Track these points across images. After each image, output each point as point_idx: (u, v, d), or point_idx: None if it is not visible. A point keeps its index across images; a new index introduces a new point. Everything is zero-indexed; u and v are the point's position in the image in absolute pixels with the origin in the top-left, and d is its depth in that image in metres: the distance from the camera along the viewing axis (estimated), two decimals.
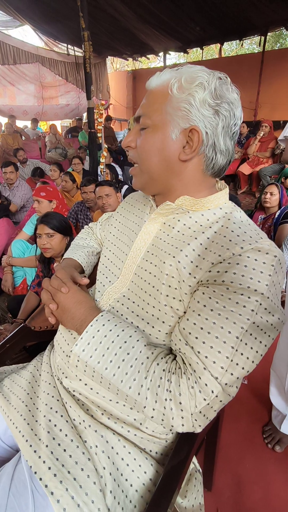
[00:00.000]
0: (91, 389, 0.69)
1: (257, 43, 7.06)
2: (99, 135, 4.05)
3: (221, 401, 0.56)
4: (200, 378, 0.55)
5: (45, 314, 1.07)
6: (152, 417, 0.58)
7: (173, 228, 0.69)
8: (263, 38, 6.63)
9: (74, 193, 3.50)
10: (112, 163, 4.66)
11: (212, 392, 0.54)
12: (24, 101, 7.99)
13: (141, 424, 0.67)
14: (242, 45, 9.95)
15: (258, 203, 2.91)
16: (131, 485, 0.64)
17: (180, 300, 0.63)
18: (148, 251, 0.71)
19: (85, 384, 0.69)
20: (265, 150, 5.05)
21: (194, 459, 0.81)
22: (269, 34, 6.86)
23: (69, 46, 8.05)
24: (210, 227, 0.65)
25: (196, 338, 0.57)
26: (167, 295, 0.64)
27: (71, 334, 0.75)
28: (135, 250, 0.73)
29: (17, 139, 6.46)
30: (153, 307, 0.66)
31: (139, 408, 0.59)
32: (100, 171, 3.90)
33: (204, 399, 0.54)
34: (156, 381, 0.57)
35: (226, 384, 0.55)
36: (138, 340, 0.62)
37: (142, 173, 0.69)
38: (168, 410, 0.56)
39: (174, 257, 0.64)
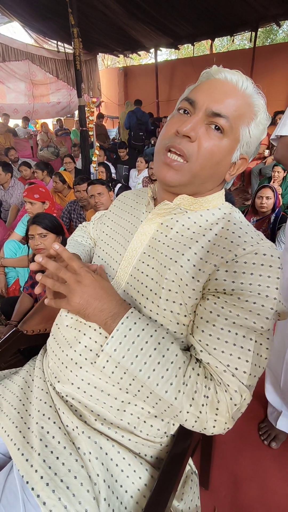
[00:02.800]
0: (84, 392, 0.67)
1: (248, 39, 7.06)
2: (90, 133, 4.02)
3: (247, 403, 0.60)
4: (229, 385, 0.57)
5: (37, 318, 1.06)
6: (186, 420, 0.59)
7: (171, 229, 0.68)
8: (254, 34, 6.63)
9: (67, 192, 3.46)
10: (106, 161, 4.63)
11: (241, 396, 0.57)
12: (15, 99, 7.88)
13: (135, 428, 0.66)
14: (233, 41, 9.93)
15: (250, 206, 2.88)
16: (126, 491, 0.63)
17: (181, 304, 0.62)
18: (144, 253, 0.69)
19: (78, 388, 0.68)
20: None
21: (190, 461, 0.81)
22: (260, 30, 6.84)
23: (59, 43, 7.95)
24: (211, 229, 0.65)
25: (215, 349, 0.58)
26: (167, 299, 0.63)
27: (65, 338, 0.73)
28: (131, 251, 0.71)
29: (9, 138, 6.38)
30: (150, 310, 0.65)
31: (172, 412, 0.59)
32: (93, 169, 3.88)
33: (235, 405, 0.58)
34: (192, 386, 0.58)
35: (250, 385, 0.58)
36: (172, 342, 0.61)
37: (190, 173, 0.62)
38: (204, 415, 0.58)
39: (176, 261, 0.63)
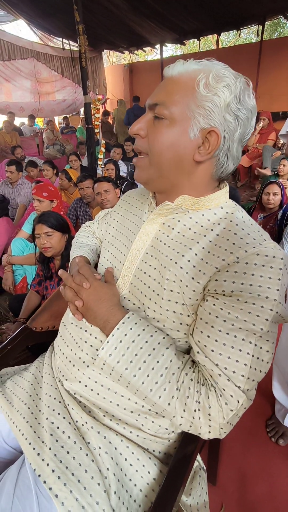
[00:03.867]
0: (92, 390, 0.69)
1: (255, 32, 6.96)
2: (96, 130, 4.02)
3: (245, 408, 0.58)
4: (224, 390, 0.56)
5: (46, 315, 1.07)
6: (180, 424, 0.59)
7: (173, 229, 0.67)
8: (261, 27, 6.52)
9: (73, 190, 3.48)
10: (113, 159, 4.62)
11: (238, 402, 0.56)
12: (20, 97, 7.90)
13: (142, 425, 0.67)
14: (239, 35, 9.81)
15: (257, 202, 2.85)
16: (135, 485, 0.64)
17: (183, 304, 0.62)
18: (147, 253, 0.69)
19: (85, 386, 0.69)
20: (265, 142, 5.00)
21: (198, 457, 0.81)
22: (267, 23, 6.72)
23: (64, 41, 7.93)
24: (212, 230, 0.64)
25: (212, 350, 0.57)
26: (169, 300, 0.63)
27: (72, 337, 0.74)
28: (134, 251, 0.72)
29: (15, 137, 6.41)
30: (154, 311, 0.65)
31: (167, 416, 0.60)
32: (99, 167, 3.88)
33: (231, 410, 0.56)
34: (185, 391, 0.58)
35: (248, 390, 0.57)
36: (167, 348, 0.61)
37: (151, 166, 0.65)
38: (197, 420, 0.57)
39: (176, 262, 0.63)
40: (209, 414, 0.56)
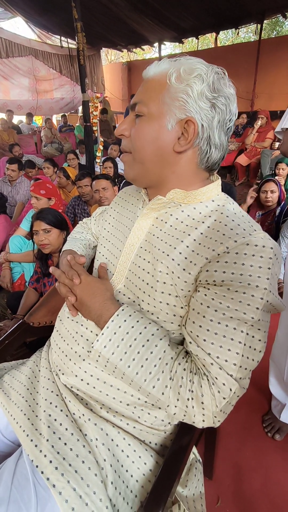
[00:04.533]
0: (88, 384, 0.69)
1: (253, 31, 6.96)
2: (94, 128, 4.02)
3: (238, 396, 0.59)
4: (216, 378, 0.57)
5: (43, 310, 1.08)
6: (175, 413, 0.60)
7: (166, 222, 0.68)
8: (259, 26, 6.53)
9: (71, 188, 3.48)
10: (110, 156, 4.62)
11: (231, 390, 0.57)
12: (18, 95, 7.87)
13: (139, 417, 0.68)
14: (238, 34, 9.79)
15: (254, 200, 2.87)
16: (131, 476, 0.65)
17: (176, 296, 0.63)
18: (141, 247, 0.70)
19: (81, 380, 0.70)
20: (263, 140, 5.02)
21: (194, 449, 0.82)
22: (265, 21, 6.73)
23: (63, 38, 7.91)
24: (203, 222, 0.65)
25: (205, 340, 0.58)
26: (162, 292, 0.64)
27: (68, 331, 0.75)
28: (129, 246, 0.72)
29: (13, 135, 6.39)
30: (148, 304, 0.66)
31: (161, 406, 0.61)
32: (97, 164, 3.88)
33: (224, 398, 0.57)
34: (178, 380, 0.58)
35: (240, 378, 0.57)
36: (161, 339, 0.62)
37: (135, 162, 0.68)
38: (190, 409, 0.58)
39: (168, 255, 0.64)
40: (202, 403, 0.57)
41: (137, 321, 0.63)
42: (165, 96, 0.61)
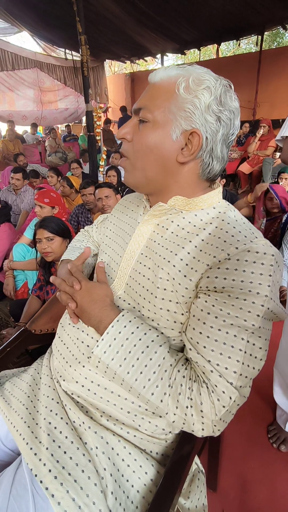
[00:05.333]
0: (88, 390, 0.69)
1: (254, 42, 7.07)
2: (98, 138, 4.07)
3: (238, 404, 0.58)
4: (216, 386, 0.56)
5: (45, 317, 1.08)
6: (174, 421, 0.59)
7: (167, 229, 0.68)
8: (260, 37, 6.63)
9: (74, 197, 3.51)
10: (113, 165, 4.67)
11: (230, 398, 0.56)
12: (23, 106, 8.03)
13: (139, 426, 0.67)
14: (239, 45, 9.96)
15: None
16: (132, 486, 0.63)
17: (176, 302, 0.63)
18: (142, 254, 0.70)
19: (82, 386, 0.69)
20: (265, 148, 5.04)
21: (197, 460, 0.81)
22: (266, 33, 6.84)
23: (67, 51, 8.09)
24: (204, 229, 0.65)
25: (205, 347, 0.57)
26: (163, 298, 0.64)
27: (69, 336, 0.75)
28: (129, 252, 0.72)
29: (18, 145, 6.50)
30: (148, 310, 0.66)
31: (161, 413, 0.60)
32: (100, 173, 3.91)
33: (223, 406, 0.56)
34: (177, 388, 0.58)
35: (240, 386, 0.56)
36: (161, 346, 0.61)
37: (135, 169, 0.67)
38: (189, 417, 0.57)
39: (169, 261, 0.64)
40: (201, 411, 0.56)
41: (137, 327, 0.63)
42: (172, 105, 0.60)
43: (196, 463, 0.80)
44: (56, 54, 8.38)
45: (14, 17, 6.57)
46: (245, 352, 0.56)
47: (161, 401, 0.58)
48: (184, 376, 0.58)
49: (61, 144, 7.08)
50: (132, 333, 0.62)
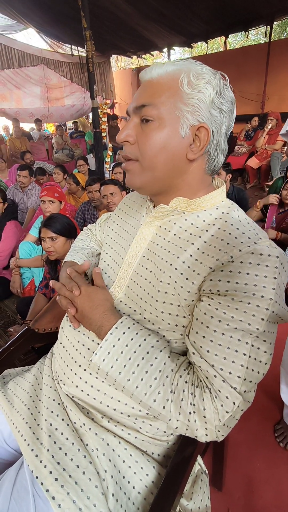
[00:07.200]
0: (88, 395, 0.69)
1: (263, 33, 6.90)
2: (104, 134, 4.05)
3: (242, 410, 0.57)
4: (219, 391, 0.55)
5: (48, 317, 1.08)
6: (177, 427, 0.58)
7: (169, 231, 0.67)
8: (269, 28, 6.48)
9: (81, 194, 3.51)
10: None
11: (234, 403, 0.54)
12: (30, 103, 8.05)
13: (140, 428, 0.67)
14: (247, 37, 9.75)
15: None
16: (133, 488, 0.63)
17: (178, 305, 0.62)
18: (144, 256, 0.69)
19: (82, 391, 0.69)
20: (273, 143, 4.95)
21: (200, 461, 0.80)
22: (275, 23, 6.69)
23: (73, 47, 8.06)
24: (207, 230, 0.63)
25: (208, 351, 0.56)
26: (164, 302, 0.63)
27: (69, 340, 0.74)
28: (131, 254, 0.71)
29: (25, 142, 6.53)
30: (150, 313, 0.65)
31: (163, 419, 0.59)
32: (106, 170, 3.90)
33: (227, 412, 0.55)
34: (179, 394, 0.57)
35: (245, 391, 0.55)
36: (161, 351, 0.61)
37: (144, 171, 0.63)
38: (192, 422, 0.56)
39: (171, 264, 0.63)
40: (205, 417, 0.55)
41: (136, 333, 0.62)
42: (178, 102, 0.59)
43: (200, 464, 0.79)
44: (63, 50, 8.36)
45: (20, 14, 6.56)
46: (250, 357, 0.55)
47: (164, 407, 0.57)
48: (186, 382, 0.57)
49: (68, 141, 7.09)
50: (132, 339, 0.61)
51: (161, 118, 0.60)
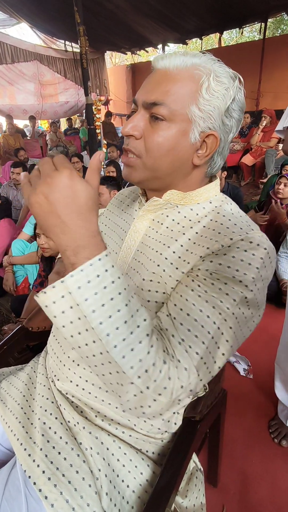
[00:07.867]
0: (83, 389, 0.68)
1: (258, 30, 6.90)
2: (98, 131, 4.03)
3: (192, 390, 0.50)
4: (179, 361, 0.48)
5: (41, 315, 1.07)
6: (127, 392, 0.47)
7: (162, 224, 0.66)
8: (263, 25, 6.47)
9: None
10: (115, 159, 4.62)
11: (189, 377, 0.48)
12: (24, 100, 7.95)
13: (135, 425, 0.66)
14: (242, 33, 9.74)
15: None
16: (127, 486, 0.63)
17: (163, 293, 0.60)
18: (138, 250, 0.68)
19: (77, 386, 0.68)
20: (268, 140, 4.96)
21: (195, 458, 0.80)
22: (269, 20, 6.68)
23: (67, 43, 7.98)
24: (199, 222, 0.63)
25: (174, 318, 0.53)
26: (149, 290, 0.61)
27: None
28: (125, 249, 0.71)
29: (18, 139, 6.46)
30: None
31: (119, 379, 0.47)
32: (101, 167, 3.87)
33: (182, 386, 0.48)
34: (152, 358, 0.47)
35: (199, 375, 0.50)
36: (142, 305, 0.50)
37: (146, 169, 0.61)
38: (147, 391, 0.46)
39: (161, 254, 0.62)
40: (165, 388, 0.47)
41: (122, 274, 0.48)
42: (194, 106, 0.56)
43: (195, 462, 0.79)
44: (57, 46, 8.26)
45: (13, 9, 6.47)
46: (212, 338, 0.51)
47: (131, 367, 0.45)
48: (159, 346, 0.49)
49: (62, 138, 7.03)
50: (119, 277, 0.46)
51: (173, 119, 0.57)
